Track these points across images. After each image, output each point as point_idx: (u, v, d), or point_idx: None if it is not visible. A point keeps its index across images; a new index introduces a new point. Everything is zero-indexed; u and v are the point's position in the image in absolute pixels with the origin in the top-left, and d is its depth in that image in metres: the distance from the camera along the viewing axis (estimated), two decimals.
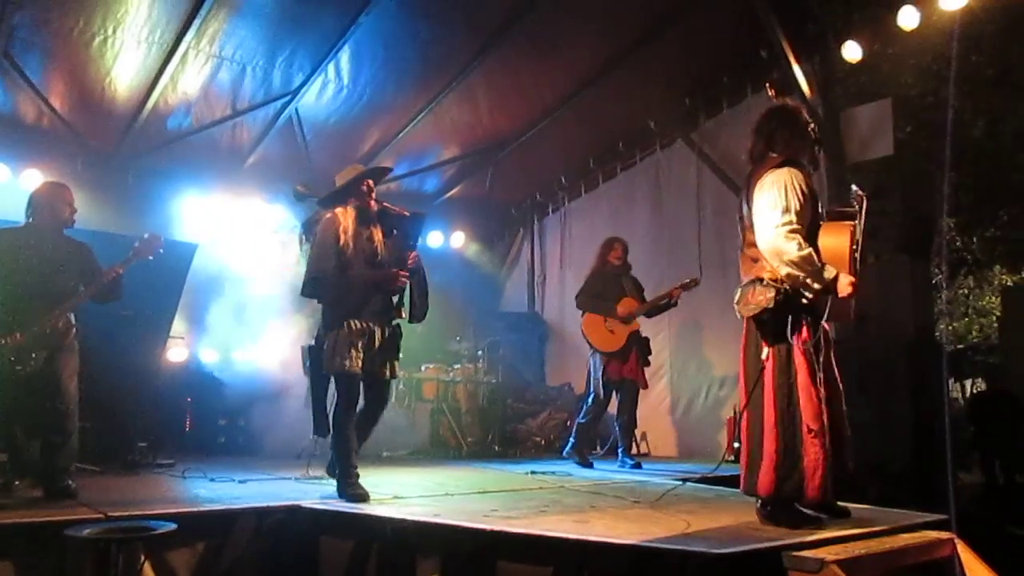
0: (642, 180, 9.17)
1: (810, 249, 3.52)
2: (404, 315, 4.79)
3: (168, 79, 6.95)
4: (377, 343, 4.63)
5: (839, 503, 3.79)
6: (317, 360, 4.69)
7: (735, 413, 7.58)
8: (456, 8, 6.82)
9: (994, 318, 9.44)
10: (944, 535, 3.59)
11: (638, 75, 7.89)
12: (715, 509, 4.19)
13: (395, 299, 4.78)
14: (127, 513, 3.78)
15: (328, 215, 4.72)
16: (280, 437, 7.35)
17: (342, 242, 4.58)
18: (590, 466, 6.78)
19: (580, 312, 7.13)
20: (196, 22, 6.32)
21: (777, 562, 3.07)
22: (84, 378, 4.76)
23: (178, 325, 7.46)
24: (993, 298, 9.61)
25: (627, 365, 6.91)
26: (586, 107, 8.28)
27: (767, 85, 7.63)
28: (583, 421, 7.04)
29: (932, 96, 6.52)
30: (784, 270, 3.56)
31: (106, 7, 6.16)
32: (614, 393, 7.01)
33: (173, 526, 3.53)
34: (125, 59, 6.67)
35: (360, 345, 4.54)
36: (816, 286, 3.51)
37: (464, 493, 4.90)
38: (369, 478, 5.22)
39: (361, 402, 4.71)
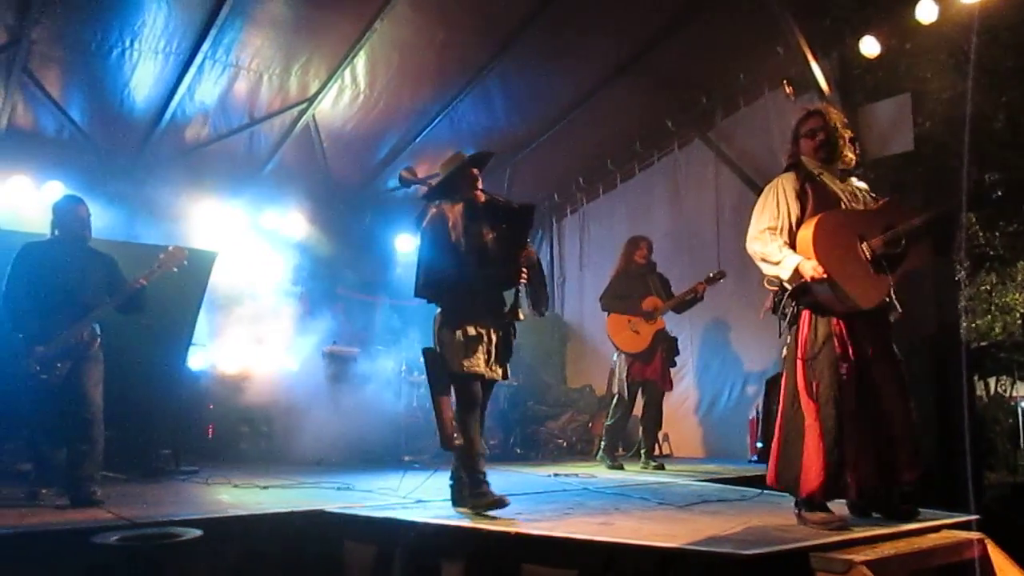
0: (660, 180, 9.15)
1: (772, 247, 3.72)
2: (521, 315, 4.44)
3: (185, 89, 7.00)
4: (492, 344, 4.37)
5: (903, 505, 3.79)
6: (438, 365, 4.34)
7: (756, 413, 7.55)
8: (471, 12, 6.82)
9: (1018, 315, 9.30)
10: (974, 535, 3.55)
11: (654, 75, 7.87)
12: (741, 510, 4.17)
13: (511, 298, 4.46)
14: (153, 520, 3.82)
15: (434, 210, 4.43)
16: (301, 443, 7.38)
17: (453, 238, 4.29)
18: (620, 468, 6.75)
19: (604, 313, 7.12)
20: (212, 32, 6.36)
21: (805, 563, 3.05)
22: (108, 387, 4.82)
23: (199, 333, 7.52)
24: (1017, 295, 9.47)
25: (651, 366, 6.88)
26: (602, 108, 8.26)
27: (784, 82, 7.58)
28: (611, 423, 7.03)
29: (951, 90, 6.43)
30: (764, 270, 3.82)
31: (123, 20, 6.21)
32: (640, 393, 6.99)
33: (199, 532, 3.56)
34: (143, 70, 6.73)
35: (480, 346, 4.31)
36: (785, 276, 3.69)
37: None
38: (391, 483, 5.26)
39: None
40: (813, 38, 6.92)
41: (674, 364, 7.16)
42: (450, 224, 4.31)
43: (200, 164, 7.91)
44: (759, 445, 7.35)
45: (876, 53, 6.66)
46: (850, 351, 3.64)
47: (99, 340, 4.78)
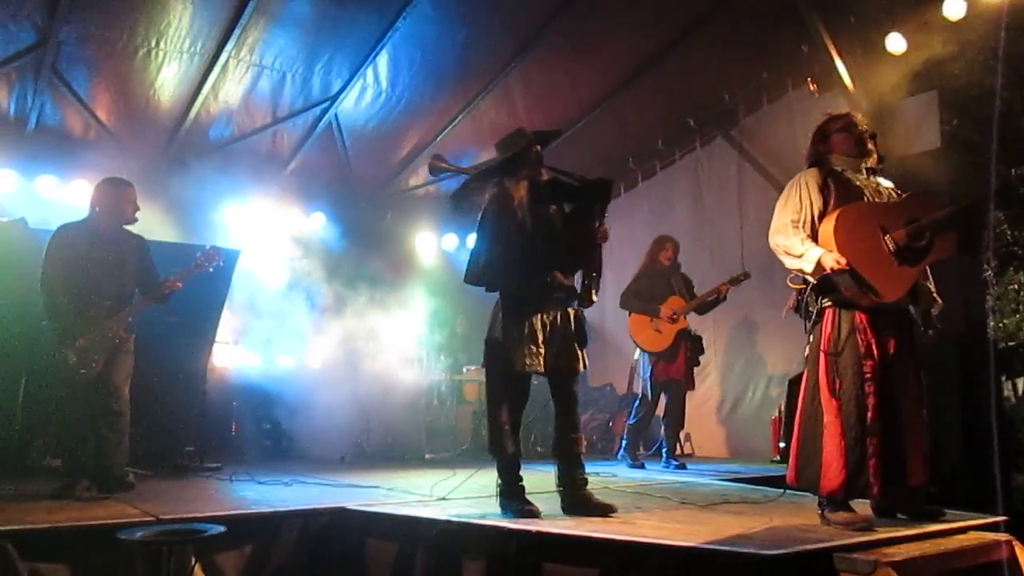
0: (682, 178, 9.11)
1: (794, 240, 3.72)
2: (594, 298, 4.17)
3: (209, 89, 7.07)
4: (562, 334, 4.07)
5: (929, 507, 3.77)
6: (498, 360, 4.06)
7: (779, 413, 7.50)
8: (493, 10, 6.82)
9: None
10: (1001, 537, 3.51)
11: (676, 73, 7.83)
12: (764, 510, 4.14)
13: (581, 281, 4.19)
14: (178, 516, 3.84)
15: (495, 190, 4.12)
16: (323, 440, 7.43)
17: (520, 217, 4.00)
18: (641, 467, 6.74)
19: (624, 312, 7.09)
20: (236, 31, 6.41)
21: (828, 564, 3.02)
22: (133, 382, 4.87)
23: (222, 330, 7.57)
24: None
25: (675, 365, 6.85)
26: (623, 106, 8.24)
27: (808, 80, 7.52)
28: (633, 422, 7.00)
29: (979, 87, 6.34)
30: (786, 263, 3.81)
31: (149, 19, 6.27)
32: (662, 394, 6.96)
33: (222, 529, 3.57)
34: (168, 70, 6.80)
35: (542, 339, 4.00)
36: (808, 268, 3.68)
37: None
38: (413, 480, 5.28)
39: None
40: (838, 35, 6.87)
41: (698, 363, 7.12)
42: (515, 203, 4.02)
43: (223, 163, 7.98)
44: (781, 445, 7.31)
45: (903, 50, 6.59)
46: (874, 349, 3.62)
47: (134, 336, 4.82)
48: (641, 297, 6.99)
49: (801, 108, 7.74)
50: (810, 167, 3.93)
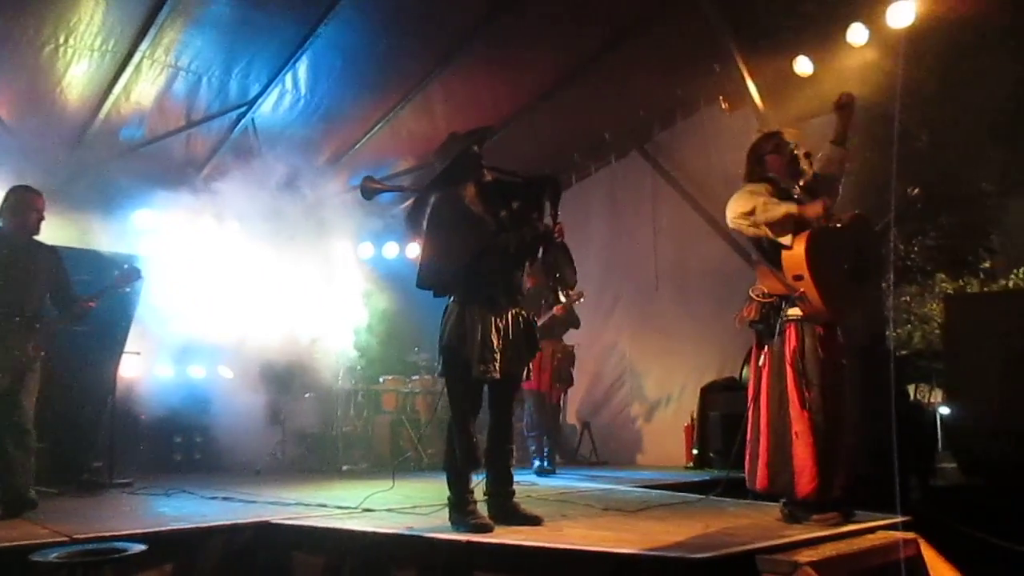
0: (597, 191, 9.28)
1: (760, 200, 3.79)
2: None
3: (121, 89, 6.82)
4: (515, 339, 3.95)
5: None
6: (457, 367, 3.92)
7: (692, 420, 7.73)
8: (415, 20, 6.81)
9: (936, 324, 9.77)
10: (908, 535, 3.72)
11: (593, 87, 7.97)
12: (684, 515, 4.27)
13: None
14: (93, 535, 3.69)
15: (439, 196, 4.02)
16: (238, 452, 7.25)
17: (468, 220, 3.89)
18: (552, 473, 6.86)
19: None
20: (152, 31, 6.21)
21: (751, 565, 3.14)
22: (40, 396, 4.66)
23: (131, 340, 7.30)
24: (935, 305, 9.96)
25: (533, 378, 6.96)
26: (542, 119, 8.32)
27: (720, 98, 7.79)
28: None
29: (879, 109, 6.71)
30: (742, 227, 3.87)
31: (57, 15, 6.01)
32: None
33: (143, 547, 3.46)
34: (77, 68, 6.53)
35: (497, 344, 3.86)
36: (770, 218, 3.75)
37: (432, 505, 4.85)
38: (334, 491, 5.22)
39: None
40: (749, 56, 7.14)
41: (569, 380, 7.36)
42: (463, 205, 3.92)
43: (135, 166, 7.71)
44: (695, 452, 7.54)
45: (809, 72, 6.91)
46: (834, 361, 3.82)
47: (43, 353, 4.64)
48: None
49: (713, 125, 8.02)
50: (757, 180, 3.99)
